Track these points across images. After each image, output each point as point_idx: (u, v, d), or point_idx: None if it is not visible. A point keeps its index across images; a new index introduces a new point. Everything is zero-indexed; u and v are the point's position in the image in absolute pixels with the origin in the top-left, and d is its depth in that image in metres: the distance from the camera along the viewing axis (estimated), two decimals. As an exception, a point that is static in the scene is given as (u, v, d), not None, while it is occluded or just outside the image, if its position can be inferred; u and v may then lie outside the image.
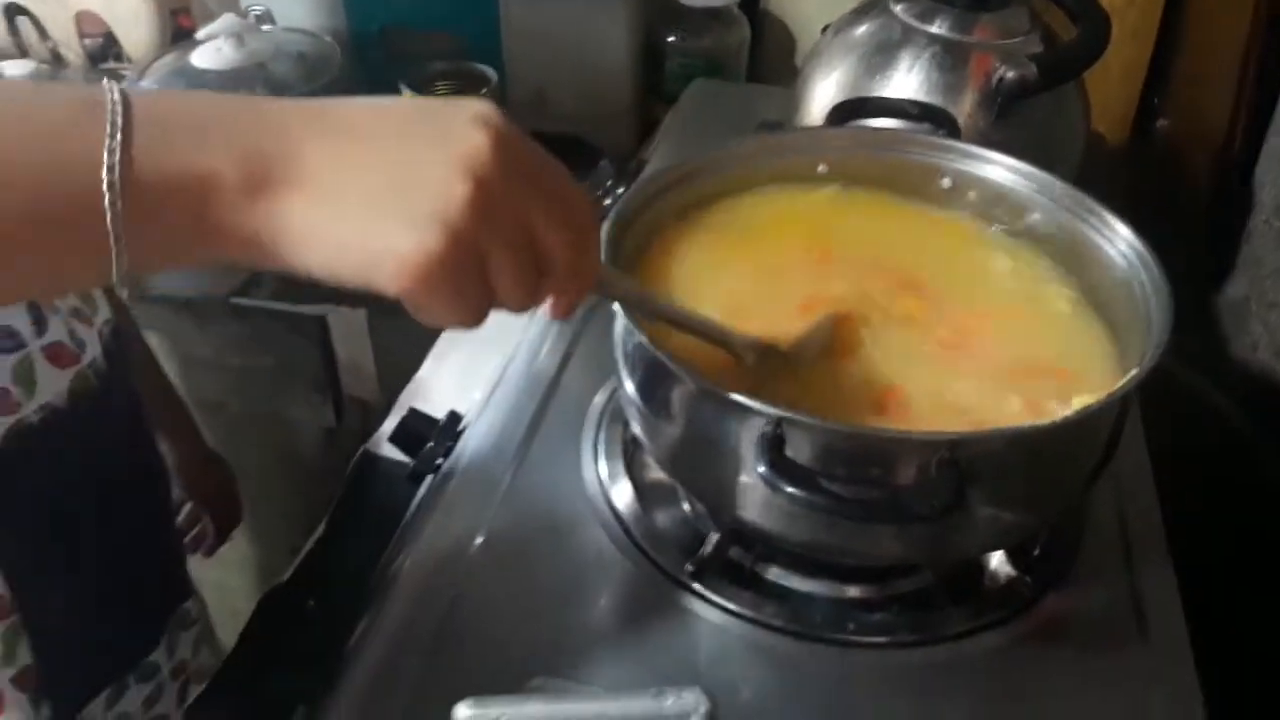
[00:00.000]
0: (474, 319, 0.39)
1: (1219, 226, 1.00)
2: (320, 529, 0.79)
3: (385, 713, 0.50)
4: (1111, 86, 1.19)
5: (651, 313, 0.52)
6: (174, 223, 0.36)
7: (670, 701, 0.35)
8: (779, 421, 0.47)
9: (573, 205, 0.40)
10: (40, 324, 0.66)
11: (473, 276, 0.38)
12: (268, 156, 0.36)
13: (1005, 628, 0.54)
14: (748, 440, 0.48)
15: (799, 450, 0.47)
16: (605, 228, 0.58)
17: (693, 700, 0.35)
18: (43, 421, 0.66)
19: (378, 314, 1.11)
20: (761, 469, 0.46)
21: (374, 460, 0.85)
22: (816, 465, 0.46)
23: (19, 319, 0.65)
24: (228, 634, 0.75)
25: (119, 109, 0.34)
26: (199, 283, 1.10)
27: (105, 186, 0.33)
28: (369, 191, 0.36)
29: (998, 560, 0.57)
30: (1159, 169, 1.18)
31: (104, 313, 0.74)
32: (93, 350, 0.71)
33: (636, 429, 0.59)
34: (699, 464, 0.54)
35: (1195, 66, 1.11)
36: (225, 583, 1.49)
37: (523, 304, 0.40)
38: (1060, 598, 0.56)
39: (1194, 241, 1.07)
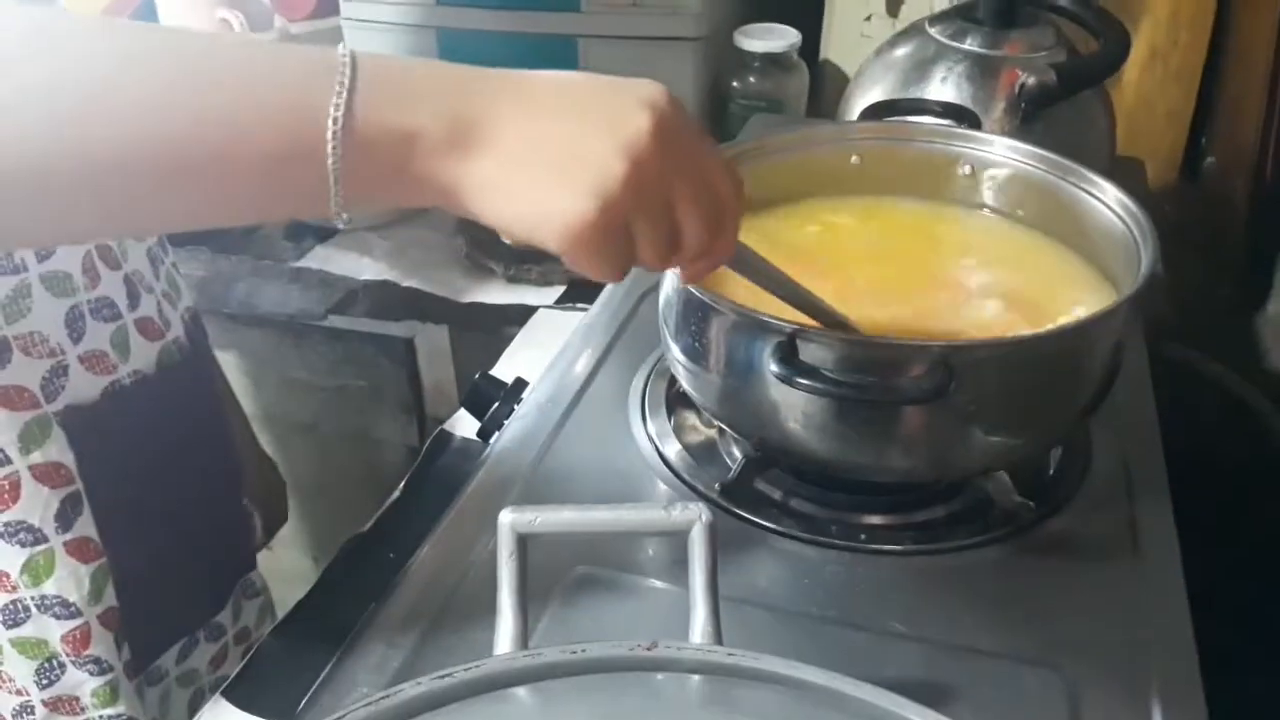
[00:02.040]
0: (616, 274, 0.46)
1: (1258, 248, 1.04)
2: (396, 492, 0.87)
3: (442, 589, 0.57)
4: (1157, 127, 1.24)
5: (785, 295, 0.57)
6: (383, 169, 0.43)
7: (676, 512, 0.41)
8: (793, 334, 0.54)
9: (718, 191, 0.47)
10: (134, 299, 0.75)
11: (619, 241, 0.45)
12: (467, 121, 0.43)
13: (1007, 543, 0.59)
14: (768, 356, 0.55)
15: (812, 357, 0.53)
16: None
17: (696, 511, 0.41)
18: (134, 385, 0.75)
19: (459, 331, 1.21)
20: (774, 368, 0.52)
21: (449, 437, 0.93)
22: (827, 368, 0.53)
23: (117, 293, 0.74)
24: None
25: (347, 69, 0.42)
26: (300, 299, 1.20)
27: (329, 135, 0.41)
28: (544, 163, 0.43)
29: (1004, 490, 0.62)
30: (1206, 203, 1.22)
31: (186, 300, 0.84)
32: (176, 329, 0.80)
33: (679, 376, 0.66)
34: (730, 391, 0.60)
35: (1234, 100, 1.16)
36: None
37: (657, 267, 0.47)
38: (1061, 521, 0.60)
39: (1238, 267, 1.11)
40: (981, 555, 0.58)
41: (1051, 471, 0.64)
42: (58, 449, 0.70)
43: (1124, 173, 0.99)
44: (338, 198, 0.42)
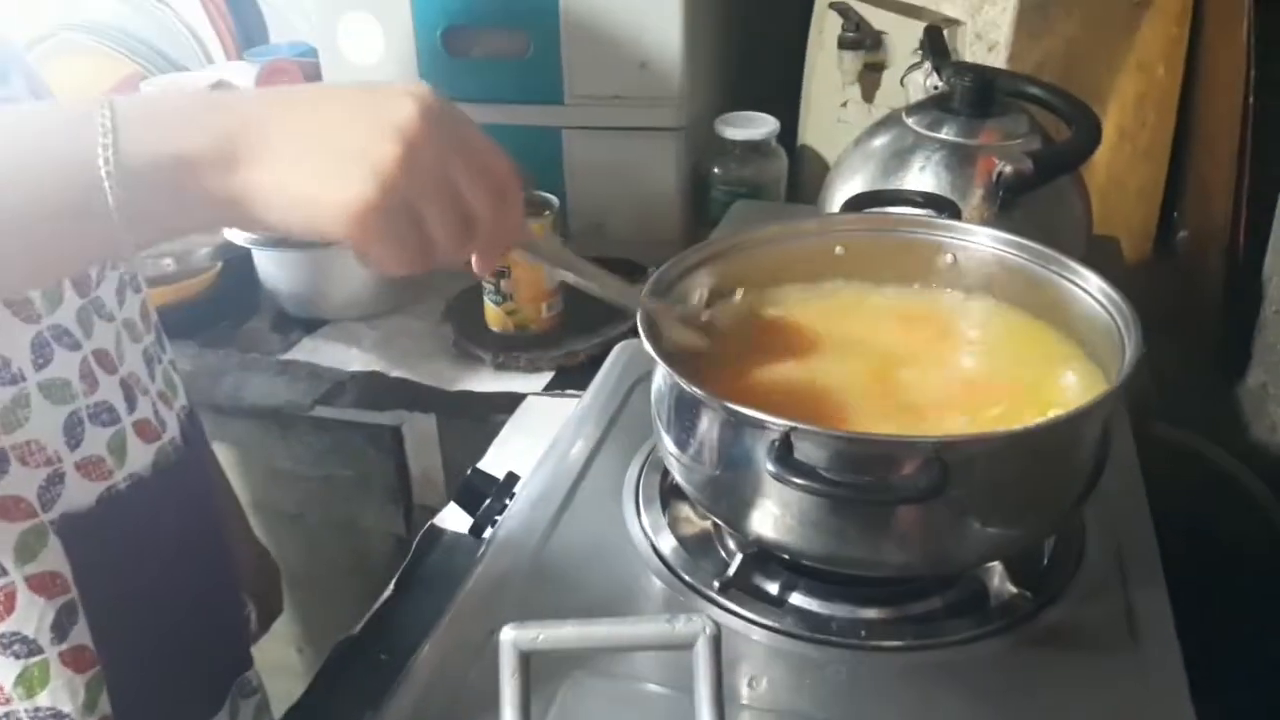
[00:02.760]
0: (413, 261, 0.47)
1: (1235, 321, 1.06)
2: (388, 590, 0.86)
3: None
4: (1130, 204, 1.27)
5: (579, 274, 0.61)
6: (162, 197, 0.45)
7: (680, 624, 0.41)
8: (788, 431, 0.54)
9: (496, 169, 0.49)
10: (132, 402, 0.75)
11: (405, 221, 0.46)
12: (235, 137, 0.45)
13: (1006, 636, 0.59)
14: (763, 453, 0.55)
15: (806, 454, 0.54)
16: (643, 292, 0.67)
17: (700, 623, 0.41)
18: (130, 489, 0.73)
19: (446, 420, 1.21)
20: (770, 467, 0.53)
21: (439, 533, 0.93)
22: (822, 465, 0.53)
23: (115, 397, 0.73)
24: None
25: (108, 113, 0.44)
26: (288, 391, 1.20)
27: (103, 174, 0.43)
28: (316, 157, 0.45)
29: (1000, 580, 0.62)
30: (1181, 276, 1.24)
31: (182, 398, 0.83)
32: (172, 429, 0.79)
33: (673, 470, 0.66)
34: (725, 487, 0.61)
35: (1202, 177, 1.19)
36: (292, 692, 1.54)
37: (454, 252, 0.48)
38: (1058, 611, 0.60)
39: (1215, 339, 1.12)
40: (981, 649, 0.58)
41: (1045, 561, 0.64)
42: (54, 558, 0.69)
43: (1100, 252, 1.01)
44: (129, 234, 0.45)
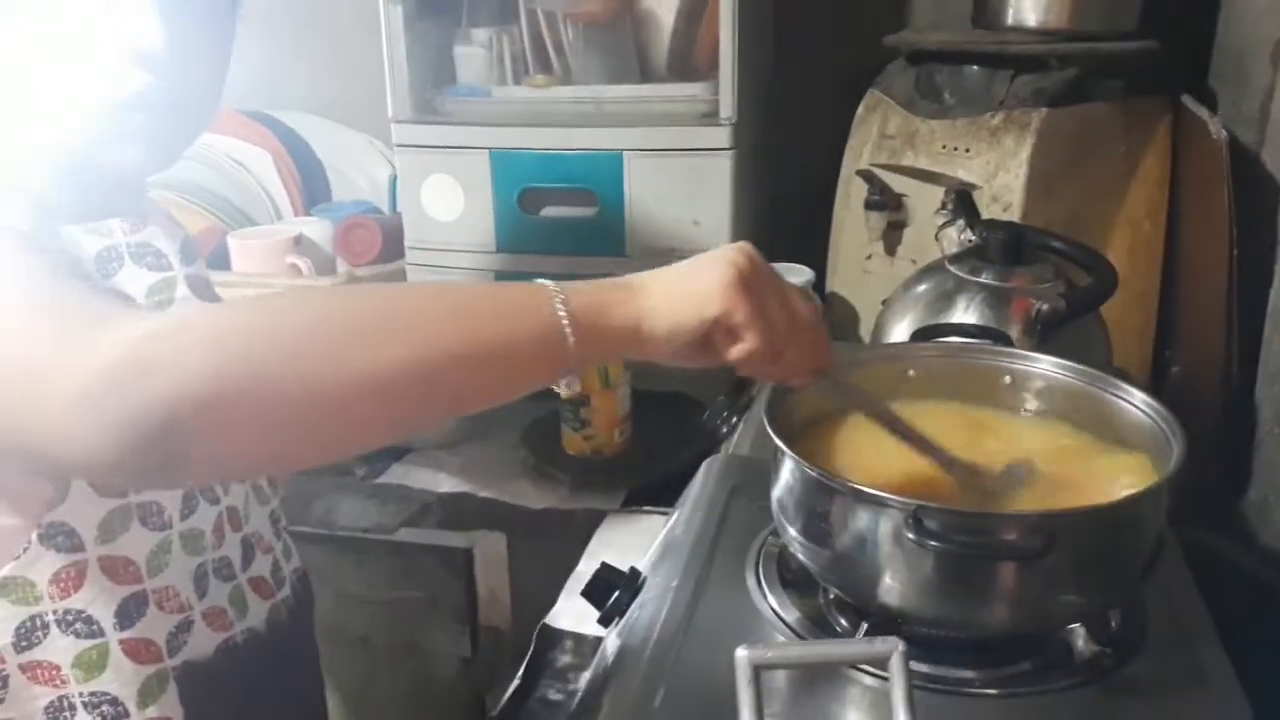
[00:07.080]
0: (769, 332, 0.66)
1: (1233, 442, 1.21)
2: (516, 680, 0.95)
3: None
4: (1129, 345, 1.43)
5: (874, 412, 0.77)
6: (602, 338, 0.64)
7: (878, 644, 0.53)
8: (916, 508, 0.66)
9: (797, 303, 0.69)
10: (248, 560, 0.82)
11: (759, 292, 0.65)
12: (633, 297, 0.65)
13: (1091, 687, 0.70)
14: (888, 531, 0.68)
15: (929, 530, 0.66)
16: (764, 406, 0.80)
17: (893, 643, 0.53)
18: (245, 643, 0.79)
19: (516, 541, 1.30)
20: (911, 535, 0.65)
21: (553, 631, 1.02)
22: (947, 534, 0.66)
23: (235, 554, 0.80)
24: None
25: (560, 297, 0.62)
26: (378, 514, 1.30)
27: (563, 329, 0.61)
28: (687, 276, 0.66)
29: (1083, 642, 0.74)
30: (1176, 407, 1.39)
31: (295, 560, 0.91)
32: (286, 589, 0.86)
33: (797, 551, 0.77)
34: (850, 563, 0.72)
35: (1191, 318, 1.36)
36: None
37: (788, 337, 0.67)
38: (1136, 666, 0.72)
39: (1213, 462, 1.26)
40: (1070, 699, 0.69)
41: (1114, 625, 0.76)
42: (170, 705, 0.73)
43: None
44: (573, 367, 0.64)
